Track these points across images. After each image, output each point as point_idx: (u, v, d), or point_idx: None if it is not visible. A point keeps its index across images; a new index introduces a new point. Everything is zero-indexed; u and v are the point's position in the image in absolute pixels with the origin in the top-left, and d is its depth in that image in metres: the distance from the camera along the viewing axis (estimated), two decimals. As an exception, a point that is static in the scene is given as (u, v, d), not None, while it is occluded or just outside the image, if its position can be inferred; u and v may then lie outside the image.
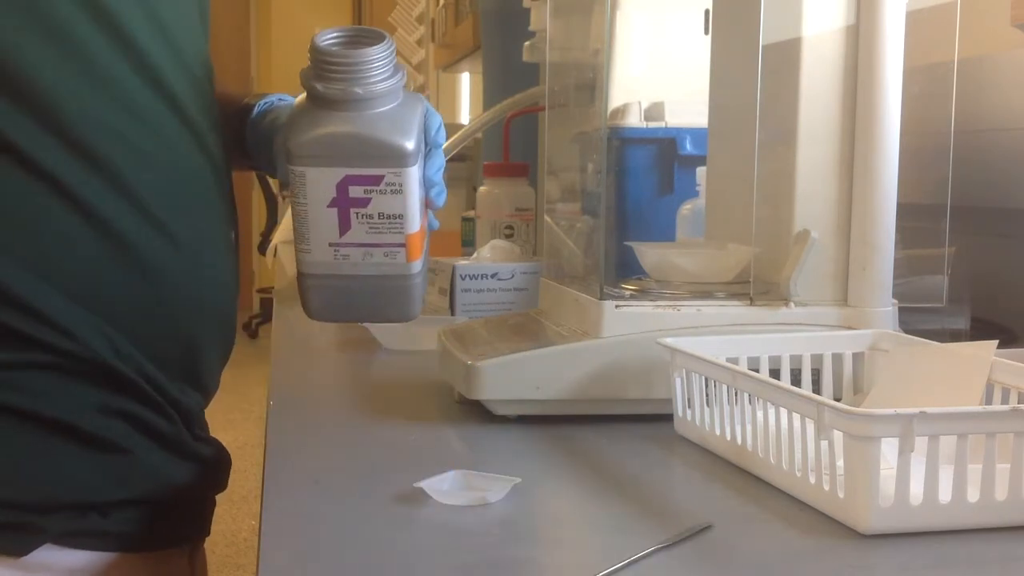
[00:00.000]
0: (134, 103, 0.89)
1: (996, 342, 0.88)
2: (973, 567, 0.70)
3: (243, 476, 3.85)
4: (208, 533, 1.02)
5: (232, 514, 3.68)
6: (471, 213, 1.87)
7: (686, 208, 1.33)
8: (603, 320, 1.01)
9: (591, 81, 1.17)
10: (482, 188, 1.77)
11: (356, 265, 0.93)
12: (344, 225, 0.92)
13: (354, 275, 0.93)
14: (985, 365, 0.87)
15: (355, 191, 0.90)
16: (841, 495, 0.75)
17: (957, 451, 0.72)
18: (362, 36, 0.90)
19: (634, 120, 1.43)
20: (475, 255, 1.60)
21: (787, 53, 1.05)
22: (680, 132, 1.42)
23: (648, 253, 1.11)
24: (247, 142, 1.06)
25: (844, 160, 1.03)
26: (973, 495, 0.73)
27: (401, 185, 0.90)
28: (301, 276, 0.95)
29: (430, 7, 4.65)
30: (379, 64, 0.88)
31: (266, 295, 7.21)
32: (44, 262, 0.85)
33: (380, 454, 0.94)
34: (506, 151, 1.82)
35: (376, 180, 0.90)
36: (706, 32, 1.25)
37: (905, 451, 0.72)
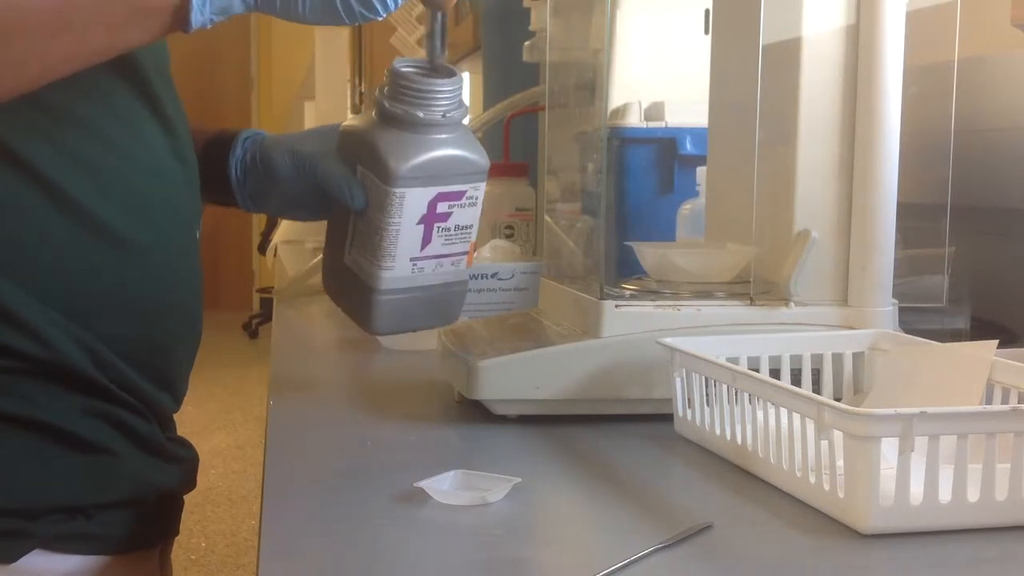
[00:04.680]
0: (115, 101, 0.90)
1: (996, 342, 0.88)
2: (973, 567, 0.71)
3: (243, 476, 3.84)
4: (178, 532, 1.02)
5: (232, 514, 3.68)
6: (471, 213, 1.86)
7: (686, 208, 1.33)
8: (603, 320, 1.01)
9: (591, 81, 1.17)
10: (482, 188, 1.77)
11: (427, 276, 0.99)
12: (426, 239, 0.98)
13: (423, 286, 0.99)
14: (985, 365, 0.87)
15: (441, 207, 0.97)
16: (841, 495, 0.75)
17: (957, 451, 0.72)
18: (431, 65, 0.96)
19: (634, 120, 1.43)
20: (475, 255, 1.60)
21: (787, 53, 1.05)
22: (680, 132, 1.41)
23: (648, 253, 1.11)
24: (231, 173, 1.07)
25: (844, 160, 1.03)
26: (973, 495, 0.73)
27: (477, 198, 0.98)
28: (372, 293, 0.98)
29: (430, 7, 4.64)
30: (459, 89, 0.94)
31: (266, 295, 7.21)
32: (18, 262, 0.85)
33: (380, 454, 0.94)
34: (506, 151, 1.82)
35: (459, 195, 0.97)
36: (706, 32, 1.25)
37: (905, 451, 0.72)
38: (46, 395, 0.86)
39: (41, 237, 0.86)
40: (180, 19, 0.76)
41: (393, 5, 0.81)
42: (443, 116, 0.93)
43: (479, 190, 0.98)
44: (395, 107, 0.93)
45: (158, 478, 0.94)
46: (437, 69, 0.95)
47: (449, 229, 0.98)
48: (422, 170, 0.94)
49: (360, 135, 0.96)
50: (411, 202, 0.95)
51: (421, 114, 0.92)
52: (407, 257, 0.97)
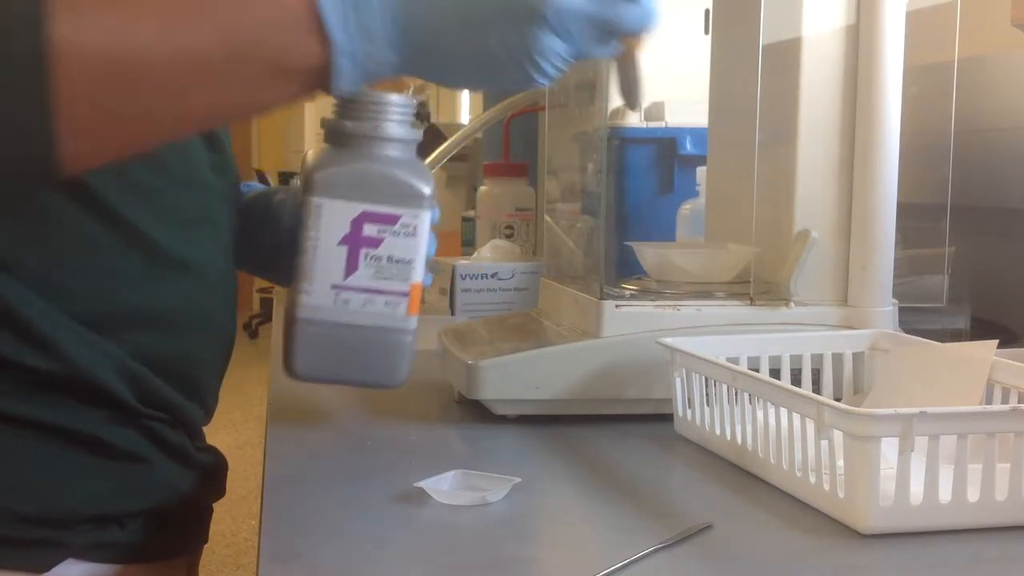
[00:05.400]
0: None
1: (996, 342, 0.88)
2: (973, 567, 0.71)
3: (243, 476, 3.84)
4: (207, 540, 1.01)
5: (232, 514, 3.68)
6: (471, 213, 1.86)
7: (686, 208, 1.33)
8: (603, 320, 1.01)
9: (591, 81, 1.17)
10: (482, 188, 1.77)
11: (355, 313, 0.92)
12: (351, 265, 0.91)
13: (350, 323, 0.92)
14: (985, 365, 0.87)
15: (369, 229, 0.91)
16: (841, 495, 0.75)
17: (957, 451, 0.72)
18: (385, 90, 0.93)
19: (634, 120, 1.43)
20: (475, 255, 1.60)
21: (787, 53, 1.05)
22: (680, 132, 1.41)
23: (648, 253, 1.11)
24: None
25: (844, 160, 1.03)
26: (973, 495, 0.73)
27: (415, 228, 0.91)
28: (293, 322, 0.93)
29: (430, 7, 4.64)
30: (403, 109, 0.90)
31: (266, 295, 7.22)
32: (54, 274, 0.83)
33: (380, 454, 0.94)
34: (506, 151, 1.82)
35: (392, 220, 0.91)
36: (706, 32, 1.25)
37: (905, 451, 0.72)
38: (78, 405, 0.85)
39: (75, 247, 0.84)
40: (323, 82, 0.74)
41: (555, 72, 0.75)
42: (374, 128, 0.88)
43: (419, 219, 0.91)
44: (329, 122, 0.89)
45: (187, 486, 0.93)
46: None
47: (380, 259, 0.91)
48: (341, 179, 0.89)
49: (305, 159, 0.94)
50: (330, 215, 0.90)
51: (348, 124, 0.88)
52: (328, 282, 0.91)
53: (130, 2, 0.64)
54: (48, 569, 0.84)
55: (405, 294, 0.92)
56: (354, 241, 0.91)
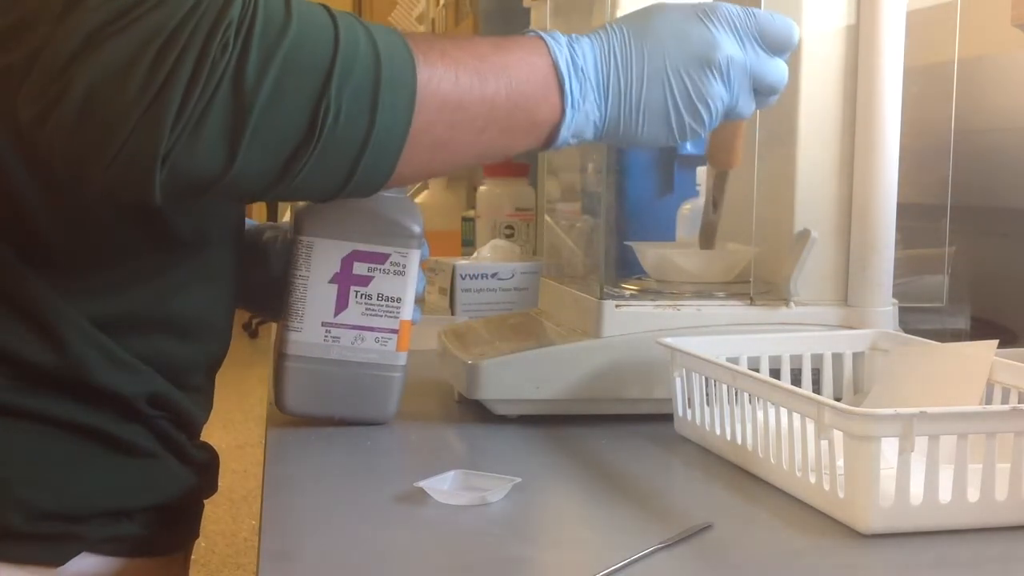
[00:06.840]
0: None
1: (996, 342, 0.88)
2: (973, 567, 0.71)
3: (243, 476, 3.84)
4: (198, 535, 1.02)
5: (232, 514, 3.68)
6: (471, 213, 1.86)
7: (686, 208, 1.33)
8: (603, 320, 1.01)
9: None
10: (482, 188, 1.77)
11: (345, 349, 0.94)
12: (341, 303, 0.93)
13: (340, 360, 0.94)
14: (985, 365, 0.87)
15: (359, 268, 0.93)
16: (841, 495, 0.75)
17: (957, 451, 0.72)
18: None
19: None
20: (475, 255, 1.60)
21: (787, 53, 1.05)
22: (680, 132, 1.41)
23: (648, 253, 1.11)
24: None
25: (844, 160, 1.03)
26: (973, 495, 0.73)
27: (404, 267, 0.93)
28: (283, 358, 0.94)
29: (430, 7, 4.64)
30: None
31: (266, 295, 7.17)
32: (82, 276, 0.84)
33: (380, 454, 0.94)
34: (506, 151, 1.82)
35: (381, 259, 0.93)
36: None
37: (905, 451, 0.72)
38: (87, 403, 0.86)
39: (112, 248, 0.85)
40: (551, 136, 0.84)
41: (712, 121, 0.87)
42: None
43: (408, 258, 0.93)
44: None
45: (187, 481, 0.94)
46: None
47: (370, 296, 0.93)
48: (332, 219, 0.91)
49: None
50: (320, 254, 0.92)
51: None
52: (318, 320, 0.93)
53: (456, 61, 0.79)
54: (64, 562, 0.85)
55: (394, 331, 0.94)
56: (344, 279, 0.92)
